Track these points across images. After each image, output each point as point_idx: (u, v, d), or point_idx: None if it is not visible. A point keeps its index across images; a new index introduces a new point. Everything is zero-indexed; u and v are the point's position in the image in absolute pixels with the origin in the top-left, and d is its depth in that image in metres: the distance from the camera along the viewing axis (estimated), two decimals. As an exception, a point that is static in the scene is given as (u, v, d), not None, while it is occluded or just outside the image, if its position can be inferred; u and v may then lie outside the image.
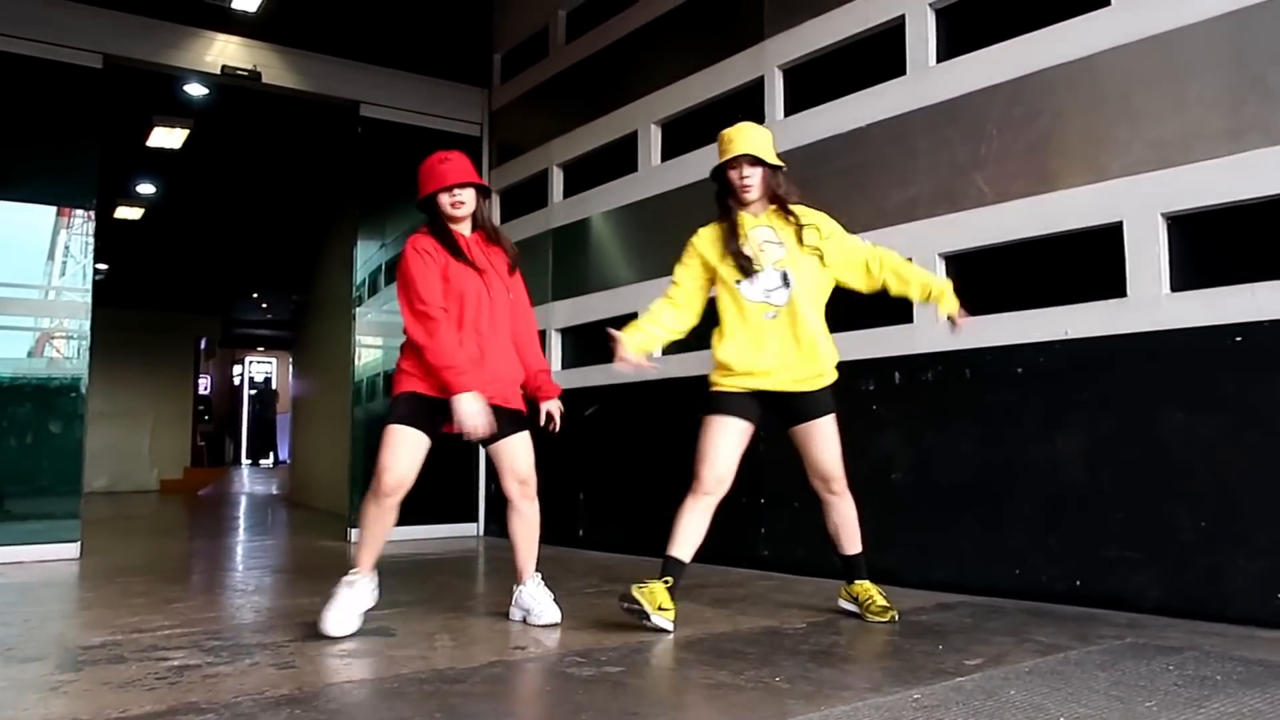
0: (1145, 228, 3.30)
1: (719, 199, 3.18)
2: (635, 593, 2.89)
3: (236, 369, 25.51)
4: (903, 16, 4.11)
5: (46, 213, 5.96)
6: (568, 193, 6.18)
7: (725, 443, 3.05)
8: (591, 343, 5.80)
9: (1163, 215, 3.26)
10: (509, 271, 3.22)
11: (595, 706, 2.12)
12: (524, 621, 3.15)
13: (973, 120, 3.82)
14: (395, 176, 6.65)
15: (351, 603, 2.93)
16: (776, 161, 3.12)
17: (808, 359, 3.06)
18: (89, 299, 5.69)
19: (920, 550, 3.87)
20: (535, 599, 3.16)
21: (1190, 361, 3.17)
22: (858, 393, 4.14)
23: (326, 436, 9.86)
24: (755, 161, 3.08)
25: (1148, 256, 3.29)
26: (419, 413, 3.01)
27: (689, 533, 3.03)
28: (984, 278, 3.85)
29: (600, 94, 5.87)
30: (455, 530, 6.61)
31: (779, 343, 3.05)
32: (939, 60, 3.99)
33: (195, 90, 7.79)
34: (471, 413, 2.94)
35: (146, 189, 11.34)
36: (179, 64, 6.09)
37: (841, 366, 4.18)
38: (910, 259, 3.97)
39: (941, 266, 3.92)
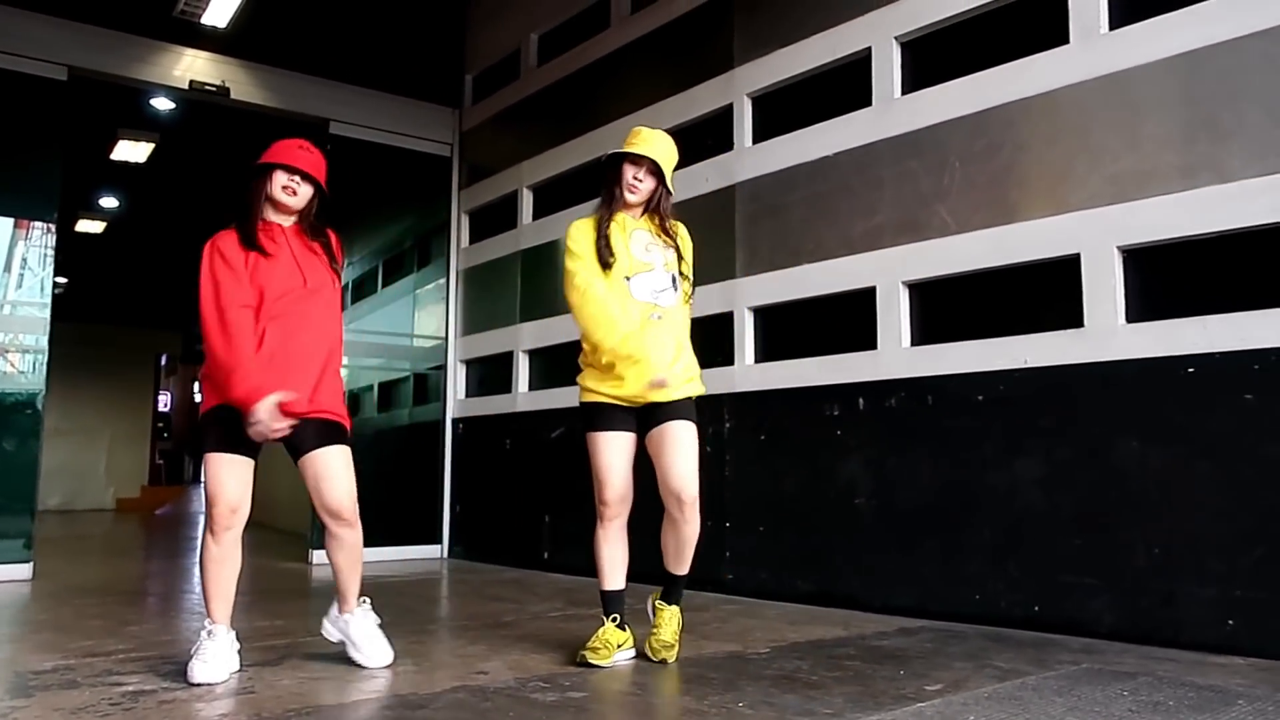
0: (1102, 260, 3.38)
1: (605, 186, 2.99)
2: (591, 659, 2.80)
3: (197, 386, 25.14)
4: (869, 49, 4.19)
5: (4, 224, 5.88)
6: (537, 214, 6.20)
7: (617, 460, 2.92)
8: (558, 365, 5.81)
9: (1119, 248, 3.35)
10: (328, 270, 2.90)
11: (558, 733, 2.12)
12: (344, 651, 2.89)
13: (936, 151, 3.90)
14: (364, 195, 6.66)
15: (214, 652, 2.64)
16: (670, 185, 2.99)
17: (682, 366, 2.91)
18: (47, 313, 5.60)
19: (882, 575, 3.91)
20: (362, 633, 2.87)
21: (1145, 391, 3.24)
22: (822, 418, 4.18)
23: (286, 456, 9.74)
24: (656, 172, 2.95)
25: (1104, 288, 3.37)
26: (229, 432, 2.71)
27: (615, 562, 2.94)
28: (946, 306, 3.93)
29: (571, 117, 5.90)
30: (419, 552, 6.55)
31: (659, 347, 2.85)
32: (904, 92, 4.07)
33: (162, 104, 7.72)
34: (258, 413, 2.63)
35: (109, 202, 11.19)
36: (146, 78, 6.03)
37: (806, 392, 4.27)
38: (874, 287, 4.06)
39: (905, 295, 3.98)
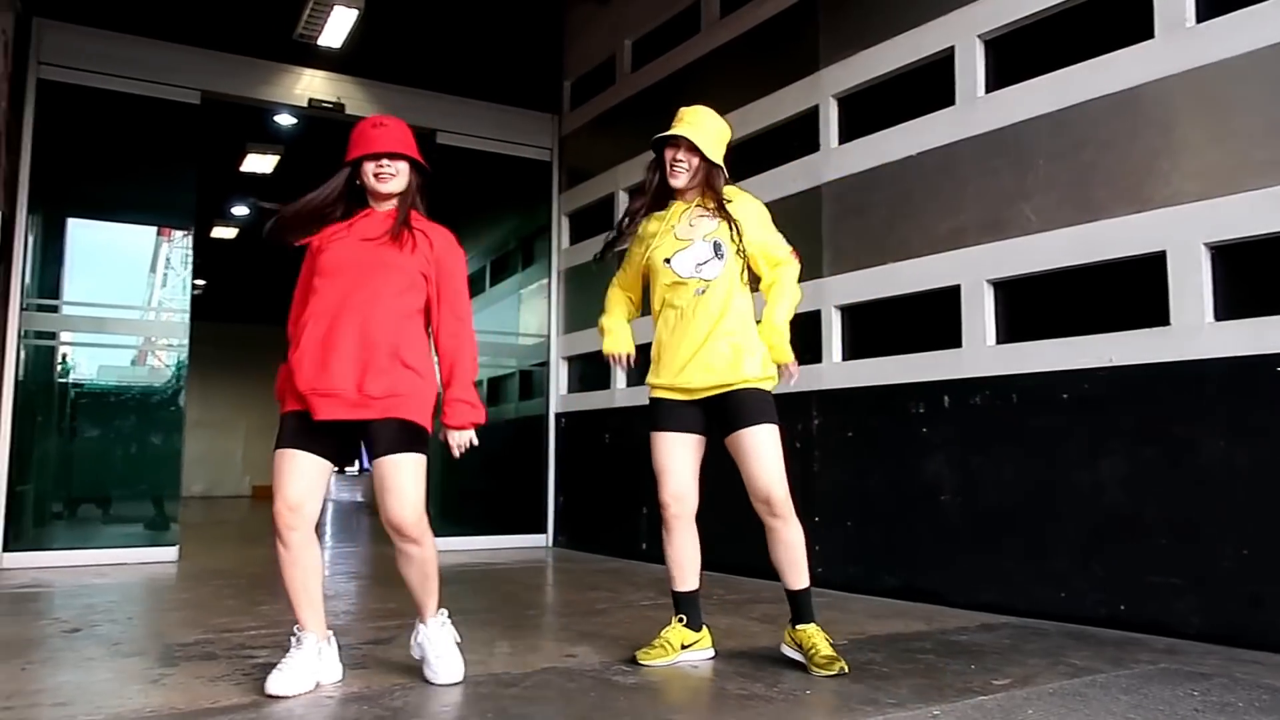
0: (1188, 257, 3.34)
1: (650, 171, 2.99)
2: (641, 659, 2.79)
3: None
4: (952, 48, 4.21)
5: (149, 233, 6.50)
6: (632, 216, 6.38)
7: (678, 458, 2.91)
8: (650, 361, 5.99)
9: (1206, 245, 3.31)
10: (414, 262, 2.62)
11: (634, 712, 2.31)
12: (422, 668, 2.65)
13: (1019, 150, 3.90)
14: (470, 200, 6.99)
15: (297, 662, 2.48)
16: (717, 159, 2.87)
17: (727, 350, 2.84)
18: (187, 316, 6.11)
19: (967, 571, 3.95)
20: (434, 644, 2.62)
21: (1232, 390, 3.20)
22: (908, 415, 4.24)
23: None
24: (693, 149, 2.85)
25: (1191, 285, 3.33)
26: (299, 429, 2.55)
27: (683, 563, 2.93)
28: (1030, 304, 3.93)
29: (664, 121, 6.04)
30: (525, 541, 6.86)
31: (707, 324, 2.83)
32: (987, 91, 4.08)
33: (284, 120, 8.27)
34: None
35: (240, 210, 11.98)
36: (269, 98, 6.51)
37: (892, 390, 4.33)
38: (960, 284, 4.08)
39: (989, 293, 4.00)
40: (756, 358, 2.84)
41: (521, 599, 4.50)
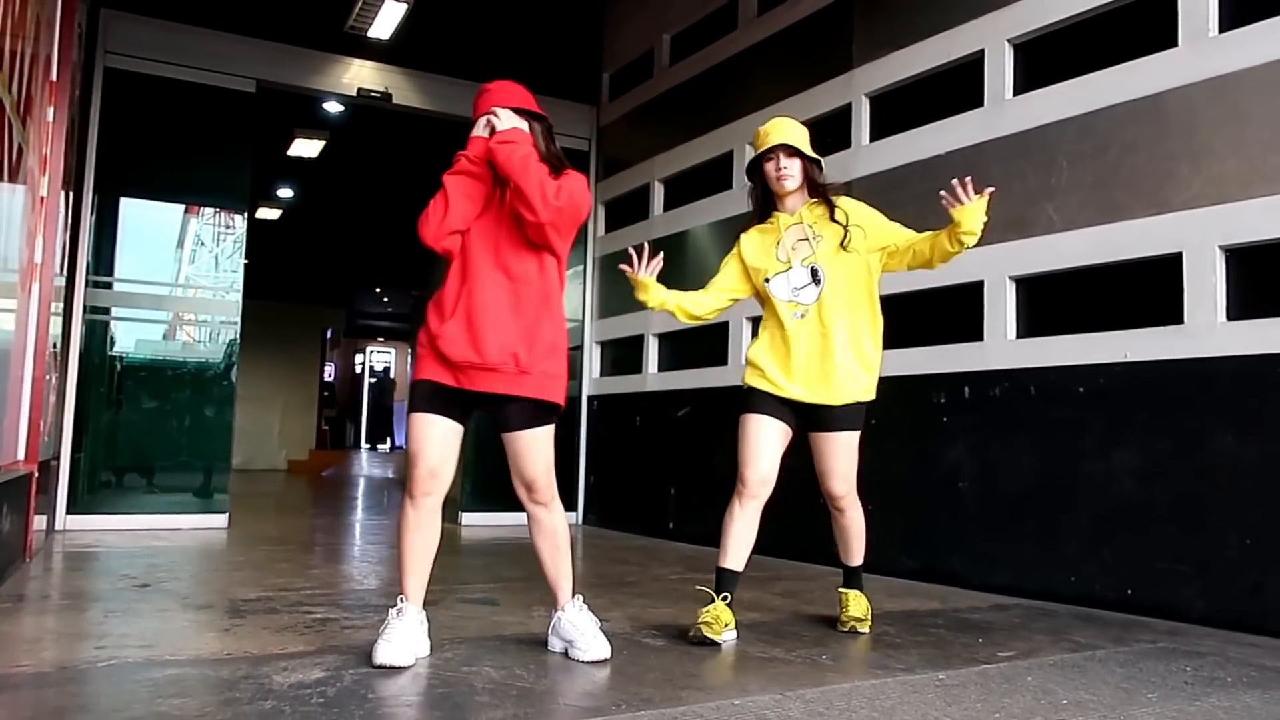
0: (1204, 259, 3.48)
1: (753, 197, 3.14)
2: (707, 633, 2.78)
3: (358, 358, 26.90)
4: (982, 51, 4.35)
5: (206, 214, 6.81)
6: (668, 206, 6.59)
7: (764, 441, 2.97)
8: (685, 348, 6.20)
9: (1221, 247, 3.44)
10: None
11: (662, 668, 2.52)
12: (565, 655, 2.62)
13: (1045, 151, 4.04)
14: (509, 188, 7.21)
15: (402, 633, 2.44)
16: (813, 154, 3.04)
17: (836, 367, 2.96)
18: (239, 295, 6.38)
19: (982, 554, 4.13)
20: (577, 627, 2.62)
21: (1242, 387, 3.34)
22: (929, 405, 4.41)
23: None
24: (793, 152, 3.00)
25: (1205, 286, 3.47)
26: (439, 398, 2.55)
27: (740, 541, 2.94)
28: (1051, 301, 4.08)
29: (700, 114, 6.24)
30: (556, 518, 7.08)
31: (807, 344, 2.96)
32: (1015, 93, 4.22)
33: (333, 107, 8.53)
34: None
35: (285, 192, 12.31)
36: (321, 87, 6.75)
37: (915, 380, 4.49)
38: (983, 281, 4.23)
39: (1011, 289, 4.15)
40: (859, 381, 2.98)
41: (555, 571, 4.73)
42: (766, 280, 3.03)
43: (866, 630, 3.05)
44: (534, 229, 2.54)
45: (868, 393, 3.03)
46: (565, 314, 2.72)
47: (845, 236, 2.98)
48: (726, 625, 2.84)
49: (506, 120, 2.63)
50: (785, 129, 3.03)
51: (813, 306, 2.97)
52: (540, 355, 2.57)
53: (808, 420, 3.02)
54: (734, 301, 3.22)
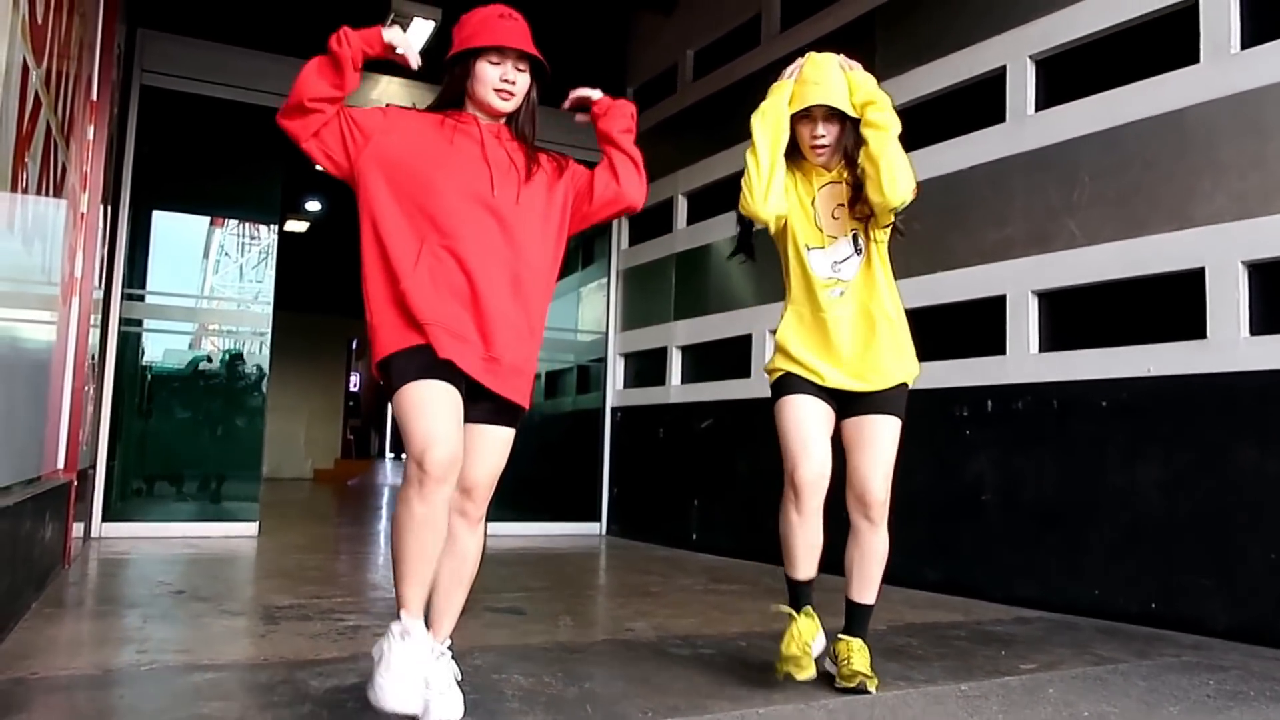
0: (1226, 274, 3.50)
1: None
2: (797, 674, 2.36)
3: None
4: (1004, 67, 4.38)
5: (238, 227, 6.96)
6: (691, 220, 6.65)
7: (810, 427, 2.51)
8: (709, 361, 6.25)
9: (1243, 263, 3.46)
10: (552, 194, 2.20)
11: (686, 678, 2.57)
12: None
13: (1067, 166, 4.07)
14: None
15: (406, 660, 1.88)
16: (854, 113, 2.51)
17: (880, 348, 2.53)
18: (270, 307, 6.50)
19: (1005, 567, 4.14)
20: (437, 678, 1.98)
21: (1265, 401, 3.35)
22: (952, 418, 4.43)
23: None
24: (833, 116, 2.51)
25: (1228, 301, 3.48)
26: (431, 361, 2.00)
27: (808, 548, 2.54)
28: (1073, 315, 4.10)
29: (723, 129, 6.30)
30: (579, 528, 7.15)
31: (850, 328, 2.52)
32: (1037, 109, 4.25)
33: (360, 121, 8.66)
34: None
35: (313, 205, 12.48)
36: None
37: (938, 393, 4.52)
38: (1005, 295, 4.26)
39: (1034, 303, 4.18)
40: (902, 362, 2.57)
41: (579, 580, 4.79)
42: (808, 248, 2.56)
43: (874, 690, 2.42)
44: (626, 209, 2.35)
45: (910, 373, 2.60)
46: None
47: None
48: (811, 640, 2.43)
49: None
50: (828, 83, 2.50)
51: (853, 283, 2.52)
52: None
53: (844, 406, 2.56)
54: (780, 221, 2.59)
